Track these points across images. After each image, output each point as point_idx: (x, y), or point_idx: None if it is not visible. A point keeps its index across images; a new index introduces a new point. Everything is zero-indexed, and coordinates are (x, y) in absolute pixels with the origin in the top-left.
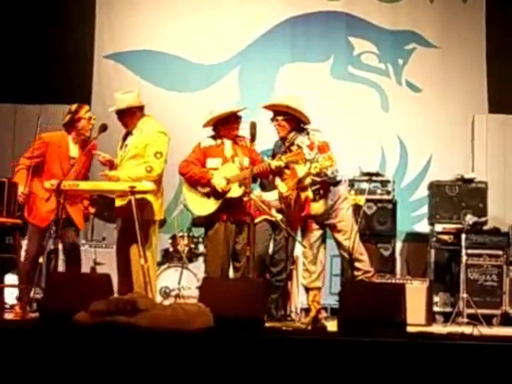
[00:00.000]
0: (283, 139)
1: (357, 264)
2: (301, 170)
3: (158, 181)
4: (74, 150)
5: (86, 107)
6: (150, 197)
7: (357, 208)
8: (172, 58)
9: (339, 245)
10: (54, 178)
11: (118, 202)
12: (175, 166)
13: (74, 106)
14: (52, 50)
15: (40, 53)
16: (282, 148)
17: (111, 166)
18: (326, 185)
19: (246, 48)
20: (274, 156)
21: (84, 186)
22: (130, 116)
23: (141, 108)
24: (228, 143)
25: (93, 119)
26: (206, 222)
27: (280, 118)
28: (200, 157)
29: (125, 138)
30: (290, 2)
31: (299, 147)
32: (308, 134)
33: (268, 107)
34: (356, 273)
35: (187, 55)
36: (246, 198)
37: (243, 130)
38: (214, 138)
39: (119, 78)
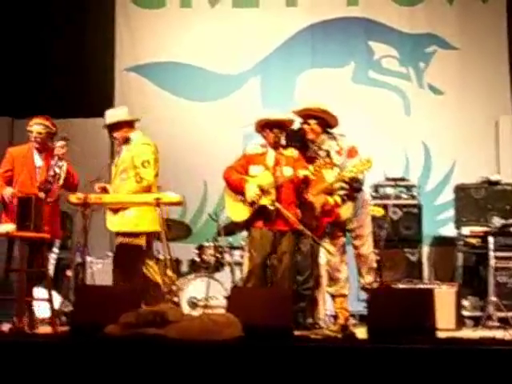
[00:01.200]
0: (312, 142)
1: (366, 273)
2: (329, 174)
3: (148, 189)
4: (38, 160)
5: (34, 120)
6: (144, 209)
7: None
8: (193, 68)
9: (355, 251)
10: (23, 188)
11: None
12: (200, 176)
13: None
14: (73, 64)
15: (61, 67)
16: (310, 151)
17: (107, 192)
18: (354, 190)
19: (267, 56)
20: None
21: (108, 198)
22: (119, 131)
23: (131, 123)
24: (272, 152)
25: (36, 132)
26: (245, 228)
27: (312, 121)
28: (243, 163)
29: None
30: (309, 10)
31: (327, 152)
32: (335, 138)
33: (300, 111)
34: (362, 280)
35: (208, 65)
36: (272, 207)
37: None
38: (260, 145)
39: (141, 90)
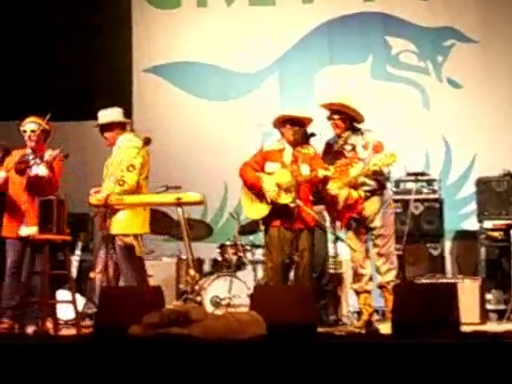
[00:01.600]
0: (338, 137)
1: (385, 272)
2: (353, 168)
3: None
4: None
5: (28, 119)
6: (127, 211)
7: (405, 208)
8: (211, 67)
9: (375, 249)
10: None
11: None
12: (220, 175)
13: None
14: (90, 66)
15: (77, 69)
16: (335, 146)
17: None
18: (380, 185)
19: (285, 54)
20: (327, 147)
21: (130, 200)
22: (110, 132)
23: (122, 125)
24: (289, 149)
25: (30, 131)
26: (264, 227)
27: (336, 116)
28: (259, 160)
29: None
30: (325, 6)
31: (353, 146)
32: (362, 133)
33: (325, 106)
34: (380, 278)
35: (226, 64)
36: (293, 205)
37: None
38: (278, 141)
39: (159, 91)
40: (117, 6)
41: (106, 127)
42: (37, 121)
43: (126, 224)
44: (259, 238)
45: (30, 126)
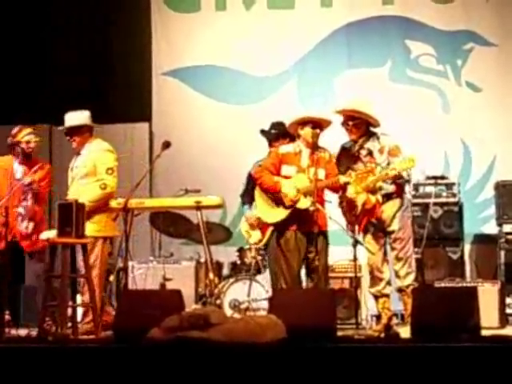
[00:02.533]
0: (354, 142)
1: (404, 276)
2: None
3: (110, 197)
4: (19, 172)
5: (26, 130)
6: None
7: (424, 212)
8: (230, 71)
9: (393, 253)
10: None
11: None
12: (239, 179)
13: (14, 130)
14: (109, 70)
15: (98, 72)
16: (351, 150)
17: None
18: (399, 189)
19: (303, 57)
20: (343, 152)
21: (150, 203)
22: (80, 135)
23: (91, 128)
24: (306, 152)
25: (33, 141)
26: (277, 230)
27: (350, 122)
28: (276, 162)
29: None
30: (344, 10)
31: (370, 151)
32: (378, 138)
33: (339, 112)
34: (399, 282)
35: (245, 68)
36: (312, 208)
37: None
38: (294, 144)
39: (179, 94)
40: (136, 10)
41: (75, 130)
42: (35, 132)
43: (97, 227)
44: None
45: (31, 137)
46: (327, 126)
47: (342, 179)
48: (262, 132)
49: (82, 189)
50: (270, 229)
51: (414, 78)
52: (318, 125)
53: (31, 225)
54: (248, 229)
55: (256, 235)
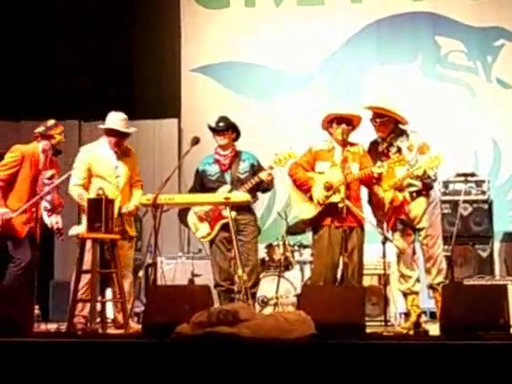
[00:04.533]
0: (382, 139)
1: (436, 274)
2: (399, 171)
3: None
4: (41, 163)
5: (60, 128)
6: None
7: (454, 209)
8: (259, 67)
9: (424, 250)
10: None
11: None
12: None
13: (50, 122)
14: (140, 67)
15: (128, 69)
16: (380, 147)
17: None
18: (426, 187)
19: (333, 54)
20: (372, 148)
21: (179, 199)
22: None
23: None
24: (339, 148)
25: (62, 141)
26: (312, 226)
27: (378, 120)
28: (310, 159)
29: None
30: (374, 6)
31: (399, 149)
32: (407, 135)
33: (366, 108)
34: (431, 280)
35: (275, 64)
36: (341, 204)
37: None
38: (326, 141)
39: (208, 91)
40: (165, 6)
41: (126, 137)
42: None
43: None
44: (307, 238)
45: (62, 136)
46: (358, 122)
47: (376, 171)
48: (210, 127)
49: (132, 192)
50: (220, 223)
51: (444, 75)
52: (349, 121)
53: (59, 218)
54: (196, 221)
55: (204, 228)
